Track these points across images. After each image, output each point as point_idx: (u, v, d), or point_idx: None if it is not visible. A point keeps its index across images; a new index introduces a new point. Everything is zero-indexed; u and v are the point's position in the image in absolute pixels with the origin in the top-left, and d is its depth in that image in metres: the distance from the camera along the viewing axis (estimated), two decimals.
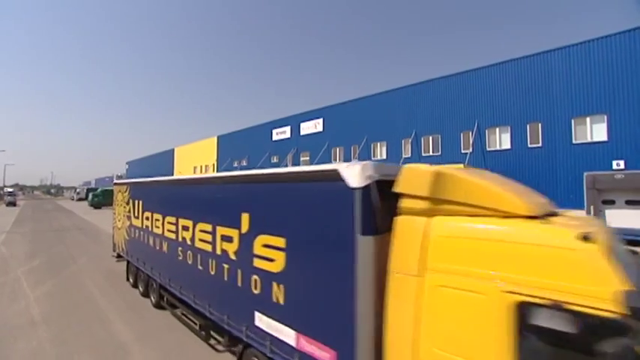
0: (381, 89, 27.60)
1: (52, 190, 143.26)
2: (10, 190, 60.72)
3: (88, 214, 34.93)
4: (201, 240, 5.34)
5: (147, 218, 7.62)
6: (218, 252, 4.83)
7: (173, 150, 62.20)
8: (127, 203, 9.05)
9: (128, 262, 9.40)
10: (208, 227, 5.12)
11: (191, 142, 57.25)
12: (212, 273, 4.98)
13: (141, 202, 8.12)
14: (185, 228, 5.88)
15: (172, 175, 62.47)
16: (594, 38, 16.91)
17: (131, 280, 9.29)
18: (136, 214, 8.33)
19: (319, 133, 32.29)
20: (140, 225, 8.03)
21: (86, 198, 53.15)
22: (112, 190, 48.50)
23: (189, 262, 5.68)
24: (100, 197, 44.04)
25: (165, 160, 65.16)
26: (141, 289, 8.46)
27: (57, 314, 7.29)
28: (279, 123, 37.48)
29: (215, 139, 49.46)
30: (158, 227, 7.01)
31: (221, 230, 4.81)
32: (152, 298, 7.77)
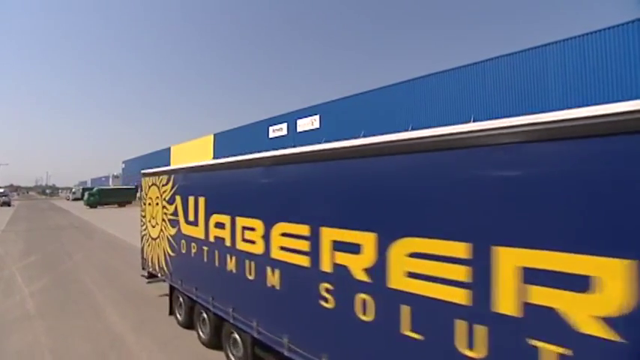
0: (376, 86, 27.68)
1: (48, 191, 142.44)
2: (1, 190, 60.14)
3: (84, 213, 34.73)
4: (415, 277, 2.48)
5: (219, 225, 4.67)
6: (504, 308, 2.04)
7: (169, 148, 62.00)
8: (170, 202, 6.08)
9: (172, 289, 6.42)
10: (440, 247, 2.34)
11: (187, 141, 57.12)
12: (474, 356, 2.17)
13: (203, 200, 5.08)
14: (346, 248, 2.93)
15: None
16: (588, 32, 17.01)
17: (180, 316, 6.25)
18: (192, 219, 5.35)
19: (316, 129, 32.31)
20: (201, 236, 5.10)
21: (82, 198, 52.83)
22: (108, 189, 48.33)
23: (362, 317, 2.80)
24: (96, 196, 43.80)
25: (161, 158, 64.90)
26: (203, 335, 5.47)
27: (53, 308, 7.26)
28: (276, 120, 37.48)
29: (211, 137, 49.38)
30: (254, 243, 3.98)
31: (508, 255, 2.03)
32: (231, 355, 4.82)
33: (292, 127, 35.09)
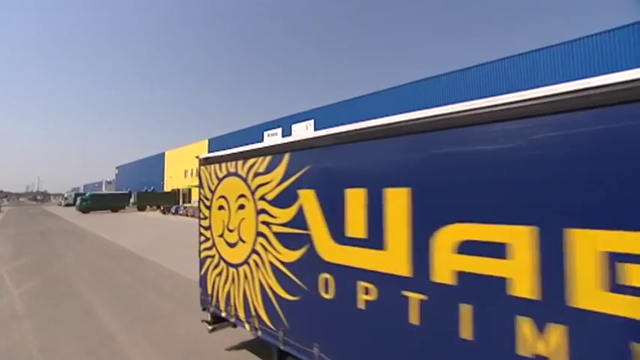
0: (369, 91, 27.95)
1: (39, 197, 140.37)
2: None
3: (76, 218, 34.30)
4: None
5: (478, 248, 2.12)
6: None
7: (164, 154, 61.74)
8: (282, 203, 3.56)
9: (282, 355, 3.68)
10: None
11: (182, 146, 56.96)
12: None
13: (405, 195, 2.50)
14: None
15: (162, 182, 62.15)
16: (575, 39, 17.45)
17: None
18: (359, 233, 2.82)
19: None
20: (399, 269, 2.53)
21: (74, 203, 52.25)
22: (101, 195, 47.77)
23: None
24: (89, 201, 43.34)
25: (156, 164, 64.60)
26: None
27: (42, 308, 7.14)
28: (271, 125, 37.59)
29: (206, 142, 49.37)
30: None
31: None
32: None
33: (287, 131, 35.18)
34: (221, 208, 4.55)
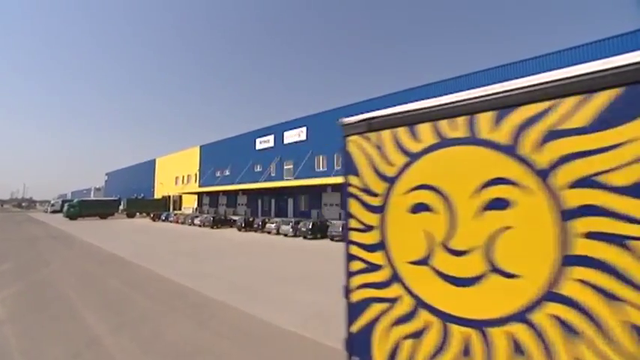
0: (363, 98, 28.26)
1: (24, 204, 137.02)
2: None
3: (63, 224, 33.59)
4: None
5: None
6: None
7: (154, 160, 61.18)
8: None
9: None
10: None
11: (173, 152, 56.57)
12: None
13: None
14: None
15: (152, 189, 61.38)
16: (565, 49, 18.00)
17: None
18: None
19: (303, 141, 32.53)
20: None
21: (61, 210, 51.25)
22: (89, 201, 46.96)
23: None
24: (77, 208, 42.56)
25: (146, 170, 63.95)
26: None
27: (25, 313, 6.91)
28: (263, 132, 37.62)
29: (198, 148, 49.09)
30: None
31: None
32: None
33: (279, 138, 35.23)
34: (420, 209, 2.34)
